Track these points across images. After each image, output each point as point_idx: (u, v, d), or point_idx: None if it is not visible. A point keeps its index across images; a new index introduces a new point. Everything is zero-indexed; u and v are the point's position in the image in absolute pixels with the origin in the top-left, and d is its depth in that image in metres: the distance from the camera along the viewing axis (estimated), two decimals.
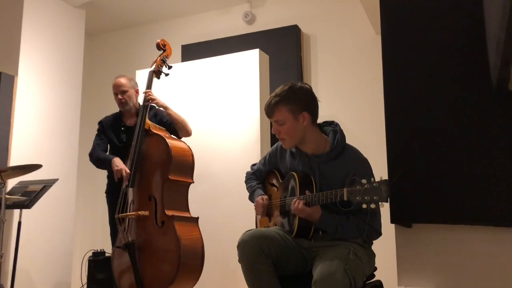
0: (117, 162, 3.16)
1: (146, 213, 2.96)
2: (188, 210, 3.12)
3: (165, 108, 3.35)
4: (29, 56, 4.20)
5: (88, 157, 3.44)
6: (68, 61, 4.62)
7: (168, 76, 3.46)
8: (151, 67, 3.41)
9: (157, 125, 3.29)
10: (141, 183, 3.09)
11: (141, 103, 3.46)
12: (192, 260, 2.91)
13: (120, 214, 3.04)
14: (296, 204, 1.97)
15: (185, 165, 3.13)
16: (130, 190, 3.11)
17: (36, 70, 4.28)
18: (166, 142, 3.06)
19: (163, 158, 3.04)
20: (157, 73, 3.38)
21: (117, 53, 5.70)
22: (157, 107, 3.40)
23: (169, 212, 2.92)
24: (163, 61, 3.42)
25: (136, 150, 3.11)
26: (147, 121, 3.21)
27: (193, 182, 3.18)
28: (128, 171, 3.08)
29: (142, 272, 2.90)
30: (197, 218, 3.11)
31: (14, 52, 4.12)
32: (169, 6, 5.17)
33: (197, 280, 2.99)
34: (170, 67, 3.45)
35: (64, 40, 4.59)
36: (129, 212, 3.06)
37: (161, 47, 3.45)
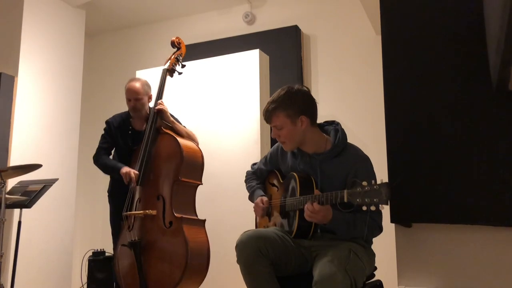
0: (125, 170, 3.13)
1: (153, 212, 2.96)
2: (195, 212, 3.11)
3: (172, 122, 3.26)
4: (29, 56, 4.20)
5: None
6: (68, 61, 4.62)
7: (182, 74, 3.42)
8: (164, 65, 3.37)
9: (169, 125, 3.26)
10: (150, 182, 3.08)
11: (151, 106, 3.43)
12: (198, 263, 2.91)
13: (128, 212, 3.03)
14: (310, 206, 1.90)
15: (195, 166, 3.12)
16: (138, 188, 3.10)
17: (36, 70, 4.28)
18: (178, 142, 3.04)
19: (174, 158, 3.02)
20: (170, 71, 3.35)
21: (117, 53, 5.70)
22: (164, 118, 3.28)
23: (177, 214, 2.91)
24: (177, 60, 3.39)
25: (147, 148, 3.09)
26: (159, 120, 3.19)
27: (202, 184, 3.17)
28: (136, 172, 3.07)
29: (147, 271, 2.90)
30: (204, 221, 3.10)
31: (14, 53, 4.12)
32: (169, 6, 5.18)
33: (201, 282, 2.99)
34: (183, 66, 3.41)
35: (64, 40, 4.59)
36: (135, 210, 3.06)
37: (176, 45, 3.43)
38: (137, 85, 3.29)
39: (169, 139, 3.11)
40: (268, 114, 2.13)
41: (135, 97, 3.27)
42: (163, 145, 3.11)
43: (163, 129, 3.17)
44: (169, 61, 3.37)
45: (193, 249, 2.84)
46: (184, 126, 3.39)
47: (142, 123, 3.37)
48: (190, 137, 3.29)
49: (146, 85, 3.37)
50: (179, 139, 3.08)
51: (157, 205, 2.99)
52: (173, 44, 3.43)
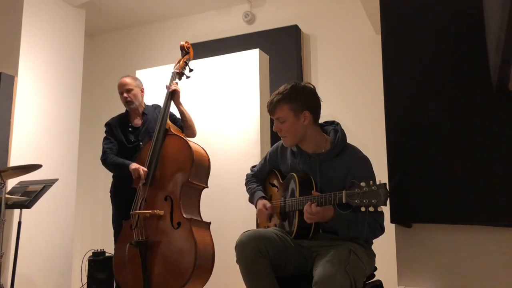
0: (134, 166, 3.15)
1: (161, 212, 2.98)
2: (200, 214, 3.13)
3: (179, 104, 3.35)
4: (29, 56, 4.20)
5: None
6: (68, 61, 4.62)
7: (189, 78, 3.50)
8: (174, 68, 3.44)
9: (176, 127, 3.31)
10: (157, 182, 3.09)
11: (149, 103, 3.52)
12: (205, 264, 2.92)
13: (136, 211, 3.04)
14: (308, 207, 1.92)
15: (203, 170, 3.15)
16: (145, 187, 3.11)
17: (36, 70, 4.28)
18: (189, 145, 3.07)
19: (185, 160, 3.04)
20: (179, 74, 3.42)
21: (117, 53, 5.70)
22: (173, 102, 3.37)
23: (187, 215, 2.93)
24: (186, 63, 3.47)
25: (157, 149, 3.12)
26: (168, 121, 3.24)
27: (208, 187, 3.19)
28: (145, 169, 3.08)
29: (151, 271, 2.90)
30: (209, 223, 3.11)
31: (14, 52, 4.12)
32: (169, 6, 5.18)
33: (204, 284, 2.99)
34: (191, 70, 3.49)
35: (64, 40, 4.59)
36: (139, 210, 3.07)
37: (185, 49, 3.51)
38: (127, 78, 3.47)
39: (179, 141, 3.13)
40: (272, 106, 2.13)
41: (125, 88, 3.41)
42: (172, 147, 3.13)
43: (172, 130, 3.21)
44: (178, 64, 3.45)
45: (201, 250, 2.85)
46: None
47: (139, 118, 3.47)
48: (193, 123, 3.39)
49: (137, 80, 3.53)
50: (190, 142, 3.11)
51: (164, 206, 3.00)
52: (182, 48, 3.52)
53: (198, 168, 3.08)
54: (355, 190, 1.81)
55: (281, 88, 2.14)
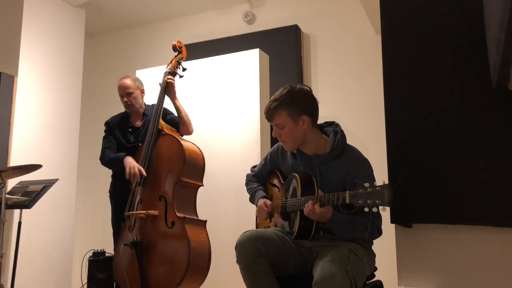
0: (130, 160, 3.15)
1: (155, 212, 2.98)
2: (196, 213, 3.14)
3: (175, 98, 3.34)
4: (29, 56, 4.20)
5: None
6: (68, 61, 4.61)
7: (183, 77, 3.49)
8: (166, 68, 3.44)
9: (169, 126, 3.31)
10: (151, 182, 3.10)
11: (147, 103, 3.52)
12: (200, 263, 2.92)
13: (130, 212, 3.04)
14: (310, 205, 1.93)
15: (196, 168, 3.16)
16: (139, 188, 3.12)
17: (36, 70, 4.27)
18: (180, 144, 3.08)
19: (177, 159, 3.05)
20: (172, 74, 3.42)
21: (117, 53, 5.70)
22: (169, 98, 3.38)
23: (180, 214, 2.94)
24: (178, 63, 3.47)
25: (149, 149, 3.12)
26: (161, 121, 3.24)
27: (203, 186, 3.19)
28: (143, 170, 3.07)
29: (148, 271, 2.91)
30: (205, 222, 3.12)
31: (14, 52, 4.12)
32: (169, 6, 5.17)
33: (201, 283, 2.99)
34: (184, 69, 3.49)
35: (64, 40, 4.59)
36: (136, 210, 3.07)
37: (177, 49, 3.51)
38: (128, 81, 3.42)
39: (171, 140, 3.14)
40: (270, 113, 2.13)
41: (126, 91, 3.39)
42: (165, 146, 3.15)
43: (165, 130, 3.21)
44: (171, 64, 3.45)
45: (195, 249, 2.86)
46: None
47: (139, 119, 3.47)
48: (188, 120, 3.36)
49: (137, 81, 3.49)
50: (182, 141, 3.11)
51: (158, 206, 3.01)
52: (174, 48, 3.51)
53: (191, 167, 3.09)
54: (359, 191, 1.81)
55: (277, 94, 2.13)
